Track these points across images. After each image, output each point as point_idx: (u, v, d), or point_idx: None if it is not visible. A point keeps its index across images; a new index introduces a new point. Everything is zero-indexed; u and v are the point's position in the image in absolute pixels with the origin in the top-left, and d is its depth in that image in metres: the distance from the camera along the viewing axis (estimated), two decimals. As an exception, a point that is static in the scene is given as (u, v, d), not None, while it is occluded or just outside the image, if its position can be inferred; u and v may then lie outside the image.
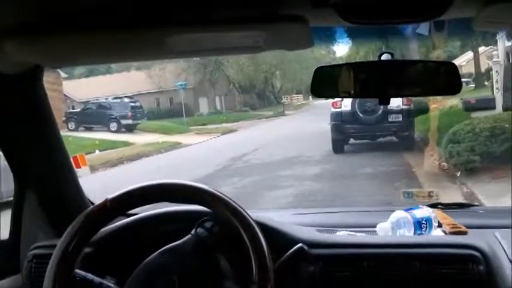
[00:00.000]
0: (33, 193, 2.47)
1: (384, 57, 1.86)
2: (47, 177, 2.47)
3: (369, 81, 1.90)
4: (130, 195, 1.95)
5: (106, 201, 1.93)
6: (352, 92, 1.98)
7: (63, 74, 29.53)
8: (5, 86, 2.15)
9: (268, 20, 1.65)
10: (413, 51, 16.36)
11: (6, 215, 2.56)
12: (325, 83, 1.94)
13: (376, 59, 1.87)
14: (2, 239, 2.50)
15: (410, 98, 15.71)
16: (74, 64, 2.27)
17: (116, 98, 30.51)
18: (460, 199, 9.03)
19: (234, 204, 1.88)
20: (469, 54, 32.45)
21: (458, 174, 11.94)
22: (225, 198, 1.89)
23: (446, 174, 12.70)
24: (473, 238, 2.18)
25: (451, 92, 1.91)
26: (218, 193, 1.91)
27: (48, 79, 2.28)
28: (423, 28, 2.44)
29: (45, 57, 1.95)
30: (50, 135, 2.40)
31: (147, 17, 1.65)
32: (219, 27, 1.67)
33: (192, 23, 1.66)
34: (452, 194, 10.17)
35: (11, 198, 2.58)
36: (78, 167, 12.09)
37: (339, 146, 17.38)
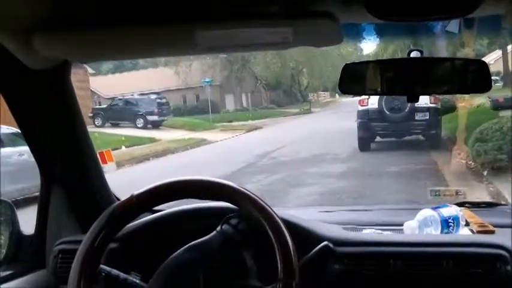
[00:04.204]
0: (59, 188, 2.48)
1: (413, 54, 1.85)
2: (73, 172, 2.48)
3: (398, 78, 1.88)
4: (157, 192, 1.95)
5: (132, 197, 1.93)
6: (380, 89, 1.97)
7: (90, 70, 29.74)
8: (33, 81, 2.16)
9: (298, 16, 1.65)
10: (442, 50, 16.24)
11: (33, 210, 2.57)
12: (353, 79, 1.93)
13: (404, 56, 1.85)
14: (27, 234, 2.51)
15: (437, 96, 15.66)
16: (102, 59, 2.27)
17: (143, 94, 30.66)
18: (486, 198, 8.96)
19: (260, 201, 1.87)
20: (498, 53, 32.24)
21: (485, 173, 11.85)
22: (251, 195, 1.88)
23: (473, 173, 12.61)
24: (501, 237, 2.15)
25: (481, 90, 1.89)
26: (244, 190, 1.90)
27: (75, 75, 2.28)
28: (453, 26, 2.42)
29: (73, 52, 1.95)
30: (77, 131, 2.41)
31: (176, 12, 1.65)
32: (248, 22, 1.67)
33: (222, 18, 1.66)
34: (479, 193, 10.10)
35: (37, 194, 2.59)
36: (105, 162, 12.17)
37: (365, 144, 17.34)
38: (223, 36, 1.76)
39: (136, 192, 1.94)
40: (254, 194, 1.89)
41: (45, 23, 1.71)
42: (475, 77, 1.88)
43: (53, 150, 2.40)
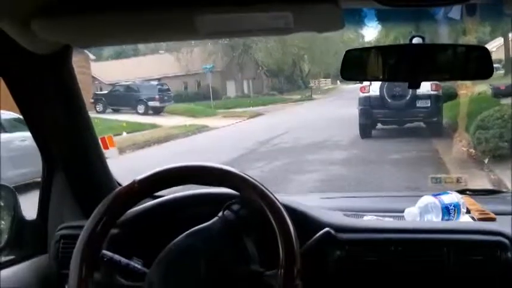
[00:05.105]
0: (61, 174, 2.48)
1: (415, 40, 1.85)
2: (75, 158, 2.48)
3: (399, 64, 1.88)
4: (158, 177, 1.95)
5: (134, 182, 1.93)
6: (382, 75, 1.97)
7: (91, 56, 29.69)
8: (34, 66, 2.16)
9: (299, 1, 1.64)
10: (443, 36, 16.21)
11: (34, 195, 2.57)
12: (355, 66, 1.92)
13: (406, 43, 1.85)
14: (29, 219, 2.51)
15: (439, 83, 15.65)
16: (103, 44, 2.26)
17: (144, 80, 30.60)
18: (487, 186, 8.97)
19: (261, 187, 1.87)
20: (499, 40, 32.13)
21: (486, 160, 11.85)
22: (253, 181, 1.88)
23: (474, 161, 12.62)
24: (501, 225, 2.16)
25: (482, 77, 1.89)
26: (246, 176, 1.90)
27: (76, 61, 2.28)
28: (455, 12, 2.41)
29: (74, 36, 1.95)
30: (78, 116, 2.41)
31: None
32: (249, 7, 1.66)
33: (222, 2, 1.65)
34: (480, 181, 10.12)
35: (39, 179, 2.59)
36: (106, 148, 12.17)
37: (366, 131, 17.34)
38: (223, 21, 1.76)
39: (138, 178, 1.94)
40: (256, 180, 1.89)
41: (45, 7, 1.71)
42: (476, 63, 1.88)
43: (55, 135, 2.40)
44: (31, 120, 2.36)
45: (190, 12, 1.69)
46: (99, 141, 2.63)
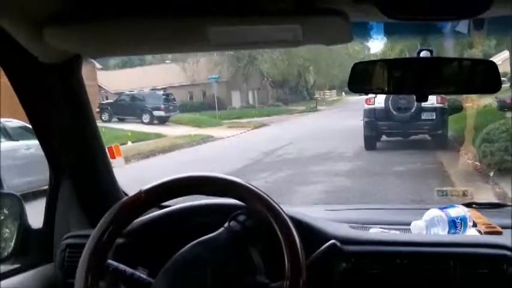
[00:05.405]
0: (67, 182, 2.48)
1: (423, 54, 1.85)
2: (82, 167, 2.48)
3: (407, 77, 1.89)
4: (165, 187, 1.95)
5: (140, 192, 1.94)
6: (389, 88, 1.98)
7: (98, 65, 29.75)
8: (44, 75, 2.17)
9: (309, 14, 1.65)
10: (449, 50, 16.22)
11: (40, 204, 2.57)
12: (363, 78, 1.93)
13: (411, 56, 1.85)
14: (35, 227, 2.51)
15: (444, 96, 15.64)
16: (113, 54, 2.27)
17: (149, 90, 30.65)
18: (492, 199, 8.94)
19: (267, 198, 1.87)
20: (505, 54, 32.10)
21: (491, 174, 11.82)
22: (259, 192, 1.88)
23: (479, 174, 12.59)
24: (508, 238, 2.15)
25: (490, 91, 1.89)
26: (252, 187, 1.90)
27: (83, 70, 2.29)
28: (462, 26, 2.42)
29: (84, 46, 1.96)
30: (86, 125, 2.41)
31: (187, 7, 1.65)
32: (259, 19, 1.67)
33: (233, 14, 1.66)
34: (485, 194, 10.08)
35: (45, 187, 2.60)
36: (113, 157, 12.16)
37: (371, 142, 17.35)
38: (234, 33, 1.76)
39: (144, 188, 1.94)
40: (262, 191, 1.89)
41: (56, 16, 1.71)
42: (484, 77, 1.88)
43: (63, 144, 2.41)
44: (39, 129, 2.36)
45: (201, 23, 1.69)
46: (106, 150, 2.63)
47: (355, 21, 1.76)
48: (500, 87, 1.86)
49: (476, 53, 21.77)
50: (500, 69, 1.87)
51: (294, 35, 1.73)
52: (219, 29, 1.72)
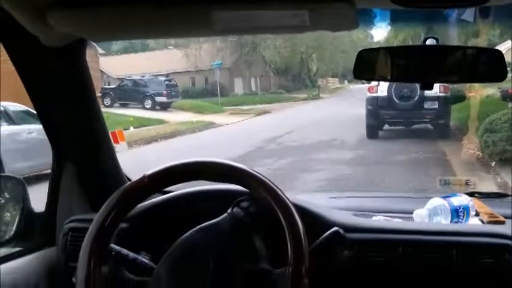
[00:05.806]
0: (71, 166, 2.48)
1: (429, 42, 1.84)
2: (86, 151, 2.48)
3: (412, 65, 1.87)
4: (169, 172, 1.95)
5: (144, 177, 1.94)
6: (394, 76, 1.96)
7: (100, 50, 29.71)
8: (47, 58, 2.16)
9: (315, 0, 1.64)
10: (453, 38, 16.18)
11: (43, 187, 2.57)
12: (367, 66, 1.92)
13: (415, 44, 1.84)
14: (38, 211, 2.51)
15: (447, 85, 15.62)
16: (117, 38, 2.26)
17: (152, 75, 30.63)
18: (494, 189, 8.96)
19: (271, 185, 1.87)
20: (508, 43, 32.02)
21: (493, 163, 11.82)
22: (263, 178, 1.88)
23: (481, 164, 12.59)
24: (510, 228, 2.15)
25: (496, 79, 1.88)
26: (256, 173, 1.90)
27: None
28: (468, 14, 2.41)
29: (88, 30, 1.94)
30: (90, 109, 2.41)
31: None
32: (265, 4, 1.66)
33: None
34: (487, 184, 10.09)
35: (47, 171, 2.59)
36: (116, 142, 12.17)
37: (373, 131, 17.33)
38: (239, 18, 1.75)
39: (148, 173, 1.94)
40: (266, 178, 1.89)
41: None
42: (490, 66, 1.87)
43: (66, 128, 2.40)
44: (43, 112, 2.36)
45: (207, 8, 1.68)
46: (110, 135, 2.63)
47: (361, 7, 1.75)
48: (507, 75, 1.85)
49: (480, 42, 21.70)
50: (504, 59, 1.86)
51: (301, 20, 1.72)
52: (224, 13, 1.71)
